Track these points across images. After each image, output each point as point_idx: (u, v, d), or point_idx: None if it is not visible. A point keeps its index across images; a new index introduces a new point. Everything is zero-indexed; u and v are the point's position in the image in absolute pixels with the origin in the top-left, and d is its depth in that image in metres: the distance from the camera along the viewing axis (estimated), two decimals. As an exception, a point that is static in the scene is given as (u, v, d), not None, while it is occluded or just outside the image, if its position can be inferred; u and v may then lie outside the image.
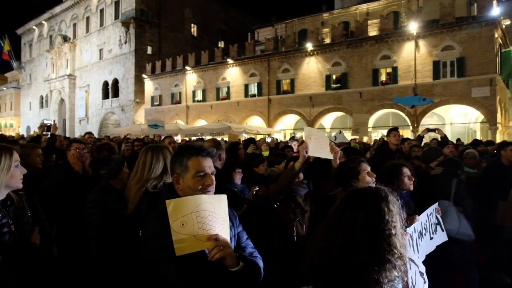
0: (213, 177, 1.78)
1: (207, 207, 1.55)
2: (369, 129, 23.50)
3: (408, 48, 21.29)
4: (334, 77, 24.34)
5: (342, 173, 2.86)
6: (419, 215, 2.72)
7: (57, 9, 46.26)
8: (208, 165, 1.77)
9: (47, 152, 4.56)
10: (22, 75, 55.17)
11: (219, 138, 20.17)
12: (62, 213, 3.48)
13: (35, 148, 3.62)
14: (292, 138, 16.39)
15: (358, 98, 22.96)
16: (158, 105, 34.63)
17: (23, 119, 54.20)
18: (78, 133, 38.76)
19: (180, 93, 33.03)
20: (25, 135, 26.46)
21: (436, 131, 7.77)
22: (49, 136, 7.77)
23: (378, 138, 21.44)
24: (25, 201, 2.25)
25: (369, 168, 2.81)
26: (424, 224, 2.73)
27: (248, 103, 28.34)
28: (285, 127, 27.93)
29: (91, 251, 2.87)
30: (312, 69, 25.10)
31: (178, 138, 18.62)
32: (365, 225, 1.31)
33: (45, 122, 16.20)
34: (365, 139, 21.42)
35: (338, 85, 24.04)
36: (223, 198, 1.62)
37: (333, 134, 17.94)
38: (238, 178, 3.96)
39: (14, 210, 2.12)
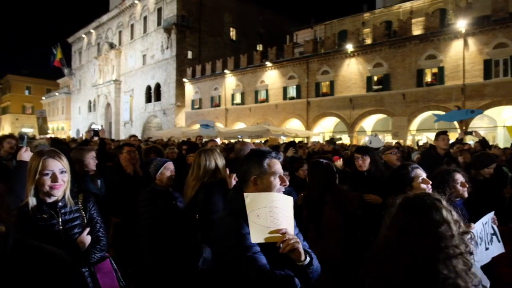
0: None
1: (278, 204, 1.73)
2: (413, 132, 22.60)
3: (456, 47, 20.20)
4: (375, 78, 23.62)
5: (395, 180, 2.77)
6: (474, 223, 2.55)
7: (104, 17, 48.58)
8: (280, 167, 1.97)
9: (100, 155, 4.73)
10: (73, 81, 58.35)
11: (257, 141, 20.29)
12: (116, 213, 3.69)
13: (89, 151, 3.75)
14: (330, 140, 16.05)
15: (401, 99, 22.11)
16: (198, 108, 35.30)
17: (73, 122, 57.30)
18: (123, 136, 40.37)
19: (219, 96, 33.48)
20: (75, 138, 27.93)
21: (473, 134, 7.27)
22: (95, 139, 8.08)
23: (424, 142, 20.60)
24: (81, 203, 2.31)
25: (424, 175, 2.70)
26: (480, 233, 2.57)
27: (286, 106, 28.18)
28: (324, 130, 27.48)
29: (142, 248, 3.13)
30: (352, 70, 24.52)
31: (218, 141, 18.84)
32: (424, 233, 1.30)
33: (93, 127, 16.92)
34: (408, 142, 20.67)
35: (380, 86, 23.30)
36: (291, 199, 1.82)
37: (366, 137, 17.42)
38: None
39: (66, 212, 2.18)
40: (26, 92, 68.41)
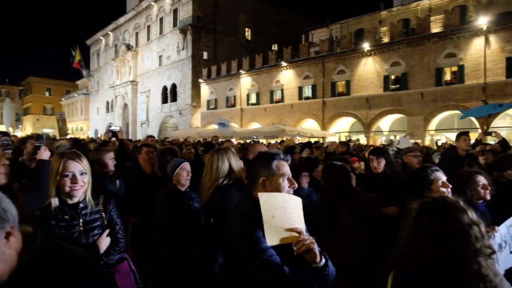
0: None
1: (291, 204, 1.72)
2: (432, 132, 22.15)
3: (476, 45, 19.67)
4: (392, 77, 23.24)
5: (413, 182, 2.73)
6: (497, 226, 2.48)
7: (121, 19, 49.29)
8: (288, 168, 1.96)
9: (119, 156, 4.80)
10: (91, 82, 59.44)
11: (273, 141, 20.24)
12: (134, 213, 3.75)
13: (108, 152, 3.82)
14: (345, 142, 15.84)
15: (419, 99, 21.68)
16: (213, 108, 35.44)
17: (92, 123, 58.35)
18: (140, 136, 40.89)
19: (234, 96, 33.53)
20: (94, 138, 28.38)
21: (493, 134, 7.06)
22: (113, 140, 8.19)
23: (442, 142, 20.14)
24: (101, 204, 2.34)
25: (444, 178, 2.63)
26: (504, 236, 2.48)
27: (302, 106, 28.01)
28: (340, 130, 27.19)
29: (159, 248, 3.16)
30: (369, 69, 24.18)
31: (233, 141, 18.86)
32: (447, 236, 1.28)
33: (111, 128, 17.20)
34: (426, 143, 20.24)
35: (397, 86, 22.90)
36: (299, 200, 1.79)
37: (397, 137, 17.10)
38: (305, 182, 4.08)
39: (87, 213, 2.22)
40: (47, 94, 70.07)
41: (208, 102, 35.99)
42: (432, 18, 22.12)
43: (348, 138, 23.14)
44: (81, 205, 2.19)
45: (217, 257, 2.65)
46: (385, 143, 20.41)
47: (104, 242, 2.22)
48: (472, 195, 2.84)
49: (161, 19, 41.58)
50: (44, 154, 2.96)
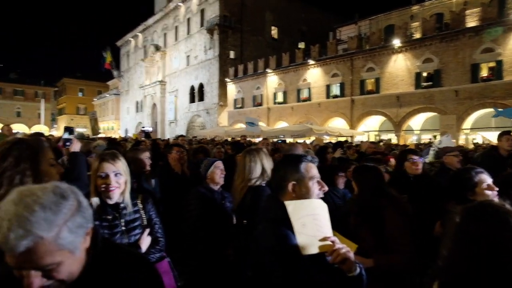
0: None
1: (319, 211, 1.62)
2: (466, 131, 21.22)
3: (516, 39, 18.67)
4: (424, 74, 22.44)
5: (456, 184, 2.56)
6: None
7: (150, 21, 50.30)
8: (317, 171, 1.86)
9: (152, 156, 4.89)
10: (121, 83, 61.05)
11: (301, 141, 20.00)
12: (166, 212, 3.74)
13: (144, 151, 3.88)
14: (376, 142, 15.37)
15: (453, 96, 20.81)
16: (240, 107, 35.51)
17: (122, 122, 59.95)
18: (168, 135, 41.57)
19: (261, 95, 33.45)
20: (125, 136, 29.09)
21: None
22: (143, 139, 8.36)
23: (478, 141, 19.23)
24: (140, 203, 2.37)
25: (490, 181, 2.46)
26: None
27: (329, 104, 27.55)
28: (369, 128, 26.56)
29: (190, 246, 3.15)
30: (399, 66, 23.45)
31: (260, 140, 18.80)
32: (497, 243, 1.23)
33: (144, 128, 17.51)
34: (461, 142, 19.38)
35: (430, 83, 22.09)
36: (325, 205, 1.68)
37: (437, 137, 16.43)
38: (341, 183, 3.94)
39: (127, 213, 2.25)
40: (80, 94, 72.58)
41: (235, 101, 36.10)
42: (467, 12, 21.15)
43: (379, 138, 22.52)
44: (122, 205, 2.22)
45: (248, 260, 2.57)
46: (418, 142, 19.77)
47: (146, 242, 2.27)
48: None
49: (188, 20, 42.08)
50: (75, 146, 3.00)
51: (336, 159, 5.53)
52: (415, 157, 3.61)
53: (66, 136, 3.46)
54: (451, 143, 5.53)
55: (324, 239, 1.54)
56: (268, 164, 2.99)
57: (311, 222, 1.57)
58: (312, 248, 1.53)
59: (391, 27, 27.72)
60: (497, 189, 2.46)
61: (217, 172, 3.23)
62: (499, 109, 15.90)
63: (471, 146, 15.35)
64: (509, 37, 18.85)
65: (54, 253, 0.94)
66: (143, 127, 19.36)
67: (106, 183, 2.15)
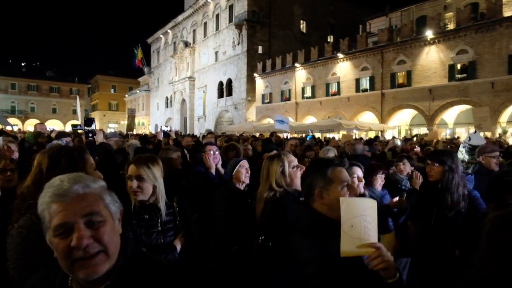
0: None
1: (371, 212, 1.55)
2: (503, 124, 20.54)
3: (557, 28, 17.87)
4: (458, 66, 21.85)
5: (496, 187, 2.47)
6: None
7: (180, 17, 51.05)
8: (348, 175, 1.82)
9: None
10: (151, 79, 62.38)
11: (329, 135, 19.91)
12: (198, 210, 3.76)
13: (175, 151, 3.99)
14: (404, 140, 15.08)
15: (489, 89, 20.18)
16: (268, 102, 35.65)
17: (152, 117, 61.35)
18: (197, 130, 42.30)
19: (289, 90, 33.45)
20: (154, 132, 29.82)
21: None
22: (164, 139, 8.46)
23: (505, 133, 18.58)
24: (176, 206, 2.44)
25: None
26: None
27: (359, 98, 27.27)
28: (400, 123, 26.14)
29: (215, 245, 3.13)
30: (432, 59, 22.91)
31: (288, 135, 18.89)
32: None
33: (163, 128, 18.09)
34: (497, 135, 18.76)
35: (464, 75, 21.48)
36: (376, 204, 1.60)
37: (466, 134, 16.03)
38: (379, 184, 3.63)
39: (163, 214, 2.32)
40: (112, 91, 74.67)
41: (263, 96, 36.26)
42: (504, 1, 20.40)
43: (415, 134, 22.04)
44: (158, 205, 2.28)
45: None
46: (450, 137, 19.28)
47: (180, 243, 2.33)
48: None
49: (217, 16, 42.46)
50: (100, 137, 3.14)
51: (386, 153, 5.52)
52: (428, 161, 3.23)
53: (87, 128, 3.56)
54: (482, 140, 5.34)
55: (369, 244, 1.49)
56: (291, 171, 2.75)
57: (360, 224, 1.51)
58: (353, 249, 1.49)
59: (424, 18, 27.01)
60: None
61: (243, 171, 3.26)
62: None
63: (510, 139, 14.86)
64: (550, 26, 18.07)
65: (100, 204, 1.09)
66: (165, 127, 19.97)
67: (131, 185, 2.27)
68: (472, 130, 16.57)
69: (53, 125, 61.59)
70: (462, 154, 5.44)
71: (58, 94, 70.87)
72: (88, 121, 8.36)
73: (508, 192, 2.38)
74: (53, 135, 7.68)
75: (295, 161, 2.79)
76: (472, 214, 2.94)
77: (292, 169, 2.71)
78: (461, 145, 5.54)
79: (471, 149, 5.12)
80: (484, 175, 3.94)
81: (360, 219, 1.51)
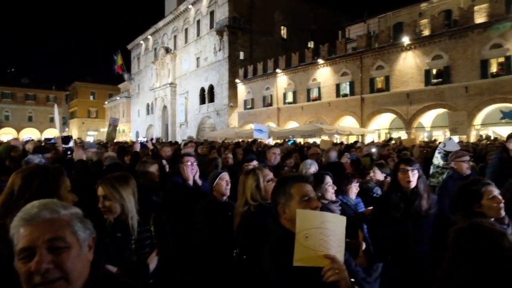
0: (317, 200, 1.88)
1: (330, 225, 1.57)
2: (477, 127, 21.27)
3: (525, 34, 18.68)
4: (434, 71, 22.53)
5: (463, 196, 2.58)
6: None
7: (160, 23, 50.79)
8: (310, 189, 1.87)
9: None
10: (132, 86, 61.63)
11: (311, 141, 20.11)
12: (176, 222, 3.69)
13: (152, 164, 3.94)
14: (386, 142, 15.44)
15: (463, 93, 20.88)
16: (250, 108, 35.79)
17: (133, 125, 60.56)
18: (179, 137, 41.99)
19: (271, 95, 33.69)
20: (134, 140, 29.32)
21: None
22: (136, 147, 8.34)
23: (486, 137, 19.24)
24: (152, 222, 2.41)
25: (496, 192, 2.49)
26: None
27: (339, 103, 27.72)
28: (379, 127, 26.68)
29: (197, 255, 3.16)
30: (409, 64, 23.57)
31: (270, 141, 19.04)
32: (489, 263, 1.28)
33: (140, 140, 17.93)
34: (472, 139, 19.40)
35: (440, 79, 22.18)
36: (343, 220, 1.63)
37: (443, 137, 16.50)
38: (353, 192, 3.64)
39: (139, 231, 2.31)
40: (91, 98, 73.27)
41: (245, 102, 36.39)
42: (475, 8, 21.20)
43: (389, 137, 22.62)
44: (131, 222, 2.26)
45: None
46: (427, 140, 19.81)
47: (154, 261, 2.32)
48: None
49: (198, 22, 42.45)
50: (79, 153, 3.09)
51: (356, 162, 5.66)
52: (407, 168, 3.09)
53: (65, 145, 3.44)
54: (456, 146, 5.60)
55: (323, 255, 1.52)
56: (266, 184, 2.80)
57: (316, 236, 1.53)
58: (305, 260, 1.52)
59: (400, 24, 27.79)
60: (503, 201, 2.46)
61: (223, 184, 3.25)
62: (506, 111, 16.05)
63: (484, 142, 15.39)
64: (519, 33, 18.88)
65: (66, 231, 1.09)
66: (140, 139, 19.74)
67: (99, 205, 2.29)
68: (448, 133, 17.13)
69: (30, 133, 60.06)
70: (438, 159, 5.66)
71: (34, 102, 69.20)
72: (66, 139, 8.18)
73: (474, 201, 2.47)
74: (29, 146, 7.45)
75: (270, 175, 2.85)
76: (445, 217, 3.01)
77: (267, 183, 2.74)
78: (437, 151, 5.78)
79: (446, 155, 5.37)
80: (456, 180, 4.14)
81: (316, 231, 1.54)
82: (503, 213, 2.43)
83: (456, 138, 15.83)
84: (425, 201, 3.03)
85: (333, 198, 3.06)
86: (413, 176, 3.04)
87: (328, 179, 3.05)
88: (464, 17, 21.23)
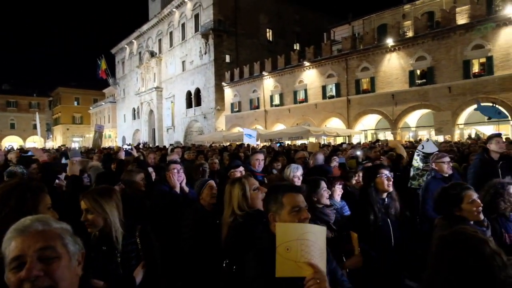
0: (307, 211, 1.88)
1: (310, 236, 1.59)
2: (461, 126, 21.64)
3: (505, 34, 19.09)
4: (418, 72, 22.85)
5: (443, 200, 2.62)
6: None
7: (144, 27, 50.36)
8: (301, 200, 1.88)
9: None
10: (117, 90, 60.95)
11: (299, 142, 20.11)
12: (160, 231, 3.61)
13: (138, 173, 3.89)
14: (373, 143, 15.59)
15: (446, 93, 21.23)
16: (237, 111, 35.74)
17: (119, 130, 59.90)
18: (166, 141, 41.69)
19: (258, 98, 33.70)
20: (121, 144, 28.93)
21: None
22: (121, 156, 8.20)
23: (471, 136, 19.61)
24: (138, 234, 2.36)
25: (475, 196, 2.53)
26: None
27: (326, 105, 27.89)
28: (366, 127, 26.92)
29: (185, 263, 3.13)
30: (393, 65, 23.86)
31: (258, 142, 18.98)
32: (471, 269, 1.31)
33: (125, 147, 17.77)
34: (456, 138, 19.74)
35: (424, 80, 22.50)
36: (323, 230, 1.66)
37: (428, 136, 16.73)
38: (337, 194, 3.68)
39: (125, 244, 2.27)
40: (75, 103, 72.00)
41: (232, 105, 36.33)
42: (457, 10, 21.64)
43: (376, 138, 22.82)
44: (116, 235, 2.23)
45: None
46: (413, 140, 20.09)
47: (140, 274, 2.27)
48: (506, 207, 2.77)
49: (183, 25, 42.24)
50: (74, 168, 3.13)
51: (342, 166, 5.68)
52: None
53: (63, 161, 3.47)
54: (434, 147, 5.66)
55: (305, 265, 1.55)
56: (252, 193, 2.80)
57: (297, 248, 1.56)
58: (288, 271, 1.55)
59: (384, 26, 28.10)
60: (482, 205, 2.51)
61: (209, 192, 3.27)
62: (482, 104, 16.54)
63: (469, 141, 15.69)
64: (498, 33, 19.29)
65: (57, 241, 1.13)
66: (125, 147, 19.58)
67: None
68: (433, 132, 17.38)
69: (12, 141, 58.77)
70: (417, 162, 5.72)
71: (16, 109, 67.38)
72: (64, 154, 8.06)
73: (454, 205, 2.52)
74: (11, 156, 7.28)
75: (256, 184, 2.85)
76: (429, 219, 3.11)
77: (254, 191, 2.75)
78: (416, 153, 5.82)
79: (425, 157, 5.42)
80: (438, 180, 4.27)
81: (297, 242, 1.56)
82: (482, 216, 2.50)
83: (441, 138, 16.17)
84: (398, 203, 3.12)
85: (328, 202, 3.06)
86: (391, 181, 3.12)
87: (323, 184, 3.05)
88: (446, 19, 21.59)
